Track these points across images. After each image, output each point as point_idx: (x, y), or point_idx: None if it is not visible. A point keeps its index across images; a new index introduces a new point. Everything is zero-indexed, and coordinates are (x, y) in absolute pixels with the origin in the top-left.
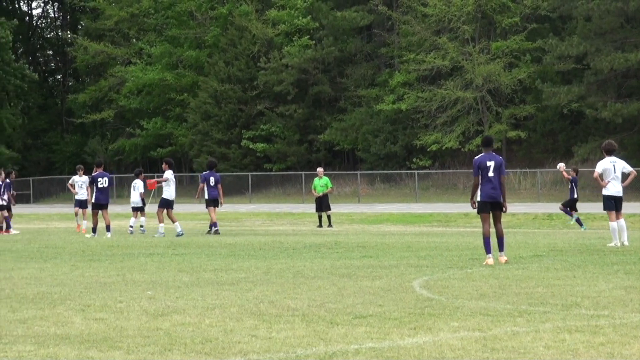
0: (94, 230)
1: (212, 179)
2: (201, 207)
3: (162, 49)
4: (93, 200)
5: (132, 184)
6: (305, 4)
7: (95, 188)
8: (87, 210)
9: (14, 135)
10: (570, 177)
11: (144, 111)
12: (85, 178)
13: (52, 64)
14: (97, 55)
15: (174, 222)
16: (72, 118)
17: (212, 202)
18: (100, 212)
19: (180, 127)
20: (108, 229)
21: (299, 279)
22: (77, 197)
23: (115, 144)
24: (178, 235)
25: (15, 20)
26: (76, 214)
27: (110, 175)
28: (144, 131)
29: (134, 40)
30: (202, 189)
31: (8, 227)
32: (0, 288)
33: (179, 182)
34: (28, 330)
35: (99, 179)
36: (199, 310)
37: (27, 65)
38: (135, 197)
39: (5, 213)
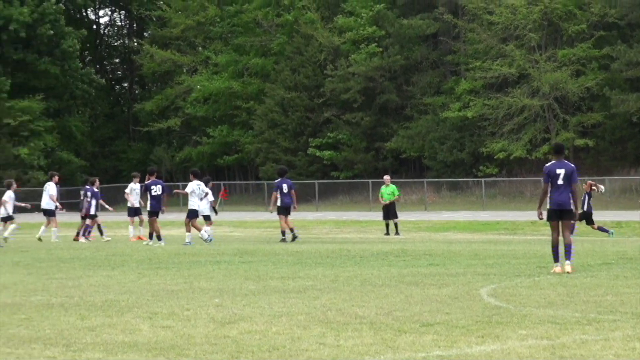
0: (151, 236)
1: (284, 186)
2: (268, 215)
3: (228, 57)
4: (148, 208)
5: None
6: (371, 12)
7: (149, 196)
8: (135, 218)
9: (82, 143)
10: (592, 190)
11: (210, 119)
12: (138, 186)
13: (119, 72)
14: (163, 63)
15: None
16: (138, 126)
17: (284, 210)
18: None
19: (247, 134)
20: (159, 237)
21: (366, 286)
22: (129, 205)
23: (182, 152)
24: (186, 244)
25: (83, 30)
26: (131, 223)
27: (164, 183)
28: (211, 139)
29: (200, 48)
30: (276, 198)
31: (101, 233)
32: (69, 295)
33: (245, 190)
34: (96, 337)
35: (152, 187)
36: (266, 317)
37: (93, 71)
38: (203, 205)
39: (95, 220)
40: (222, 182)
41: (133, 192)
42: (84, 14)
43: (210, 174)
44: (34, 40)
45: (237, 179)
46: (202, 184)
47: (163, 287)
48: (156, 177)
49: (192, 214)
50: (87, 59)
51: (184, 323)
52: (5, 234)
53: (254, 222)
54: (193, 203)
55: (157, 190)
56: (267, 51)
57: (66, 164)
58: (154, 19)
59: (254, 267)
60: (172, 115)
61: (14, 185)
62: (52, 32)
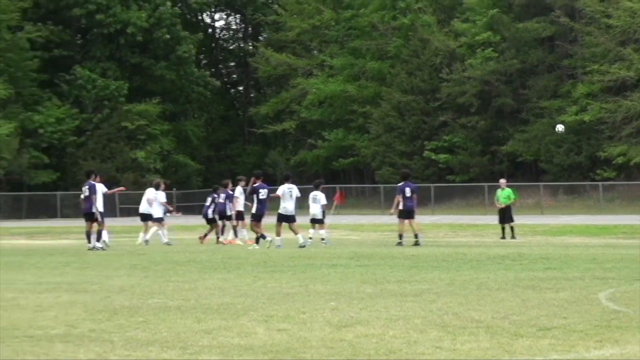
0: (257, 240)
1: (407, 190)
2: (385, 218)
3: (344, 61)
4: (253, 211)
5: (312, 196)
6: (485, 18)
7: (256, 199)
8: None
9: (198, 147)
10: None
11: (325, 122)
12: (240, 189)
13: (234, 76)
14: (278, 67)
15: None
16: (253, 129)
17: (406, 214)
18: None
19: (362, 138)
20: (263, 236)
21: (482, 290)
22: (238, 208)
23: (297, 155)
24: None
25: (200, 34)
26: (234, 227)
27: (270, 187)
28: (326, 142)
29: (316, 51)
30: (398, 201)
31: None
32: (186, 298)
33: (361, 193)
34: (213, 340)
35: (260, 191)
36: (382, 321)
37: (208, 75)
38: (315, 209)
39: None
40: (337, 186)
41: (240, 195)
42: (200, 17)
43: (326, 177)
44: (150, 44)
45: (352, 183)
46: (293, 188)
47: (279, 290)
48: (262, 181)
49: (281, 218)
50: (203, 62)
51: (300, 326)
52: (146, 237)
53: (370, 226)
54: (281, 206)
55: (263, 194)
56: (383, 54)
57: (182, 167)
58: (269, 23)
59: (371, 271)
60: (287, 118)
61: (162, 186)
62: (168, 36)
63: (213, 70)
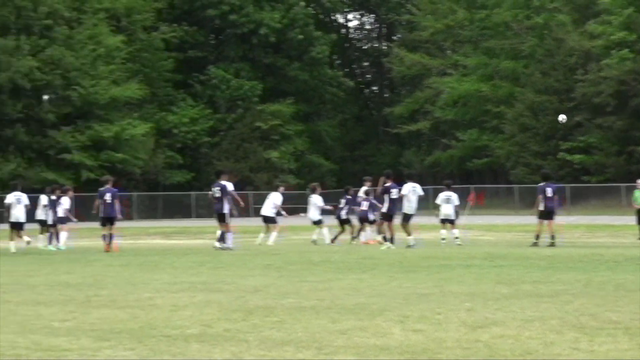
0: (391, 240)
1: (548, 190)
2: (519, 218)
3: (478, 60)
4: (384, 210)
5: (445, 196)
6: (621, 18)
7: (387, 199)
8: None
9: (332, 147)
10: None
11: (459, 122)
12: (364, 189)
13: (368, 76)
14: (412, 67)
15: (409, 234)
16: (387, 129)
17: (546, 215)
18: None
19: (497, 138)
20: (392, 239)
21: (620, 291)
22: (363, 208)
23: (431, 156)
24: (411, 246)
25: (333, 34)
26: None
27: (400, 187)
28: (460, 142)
29: (449, 51)
30: (539, 202)
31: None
32: (321, 298)
33: (495, 194)
34: (348, 340)
35: (392, 190)
36: (518, 322)
37: (341, 75)
38: (448, 210)
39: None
40: (471, 186)
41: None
42: (333, 17)
43: (460, 177)
44: (283, 44)
45: (486, 183)
46: (417, 186)
47: (414, 291)
48: (393, 181)
49: (407, 217)
50: (336, 63)
51: (435, 327)
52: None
53: (504, 226)
54: (406, 205)
55: (395, 193)
56: (517, 54)
57: (316, 168)
58: (403, 23)
59: (506, 271)
60: (422, 118)
61: (319, 189)
62: (301, 36)
63: (347, 70)
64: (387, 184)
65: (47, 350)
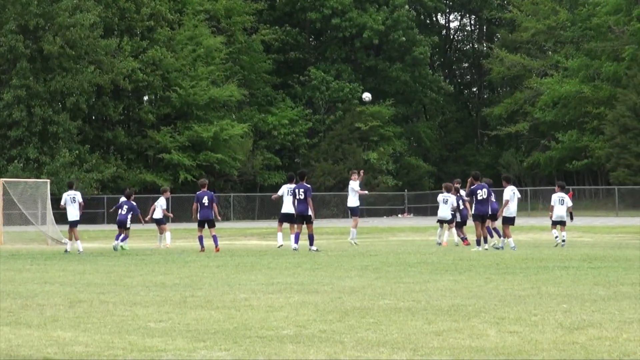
0: (486, 239)
1: None
2: (618, 220)
3: (579, 62)
4: (473, 211)
5: (558, 197)
6: None
7: (475, 199)
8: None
9: (431, 149)
10: None
11: (559, 124)
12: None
13: (468, 77)
14: (512, 67)
15: (504, 236)
16: (486, 130)
17: None
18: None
19: (597, 139)
20: (478, 242)
21: None
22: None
23: (530, 157)
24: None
25: (434, 37)
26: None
27: (486, 188)
28: (559, 144)
29: (550, 52)
30: None
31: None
32: (416, 300)
33: (594, 195)
34: (443, 342)
35: (478, 191)
36: (616, 324)
37: (442, 78)
38: (561, 211)
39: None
40: (570, 187)
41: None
42: (434, 19)
43: (559, 179)
44: (385, 46)
45: (586, 184)
46: (515, 189)
47: (510, 292)
48: (480, 182)
49: (507, 220)
50: (437, 64)
51: (532, 328)
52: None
53: (603, 227)
54: (505, 208)
55: (482, 194)
56: (618, 56)
57: (414, 169)
58: (504, 23)
59: (604, 273)
60: (521, 119)
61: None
62: (404, 38)
63: (447, 71)
64: (474, 186)
65: (143, 351)
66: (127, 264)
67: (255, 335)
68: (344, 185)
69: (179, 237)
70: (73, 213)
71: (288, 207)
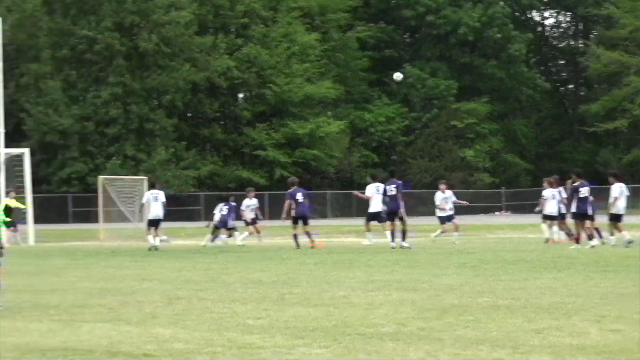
0: (577, 240)
1: None
2: None
3: None
4: (574, 210)
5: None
6: None
7: (577, 197)
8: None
9: (527, 146)
10: None
11: None
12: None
13: (564, 74)
14: (610, 64)
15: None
16: (584, 127)
17: None
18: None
19: None
20: (577, 240)
21: None
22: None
23: (629, 154)
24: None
25: (529, 33)
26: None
27: (591, 185)
28: None
29: None
30: None
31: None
32: (516, 297)
33: None
34: (543, 340)
35: (581, 189)
36: None
37: (538, 75)
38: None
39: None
40: None
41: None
42: (529, 16)
43: None
44: (480, 42)
45: None
46: (624, 186)
47: (611, 290)
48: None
49: (616, 218)
50: (532, 61)
51: (634, 327)
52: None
53: None
54: (618, 207)
55: (583, 192)
56: None
57: (511, 166)
58: (601, 20)
59: None
60: (619, 116)
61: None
62: (499, 35)
63: (542, 68)
64: (576, 183)
65: (242, 348)
66: (225, 261)
67: (354, 332)
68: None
69: (275, 235)
70: (155, 212)
71: (376, 206)
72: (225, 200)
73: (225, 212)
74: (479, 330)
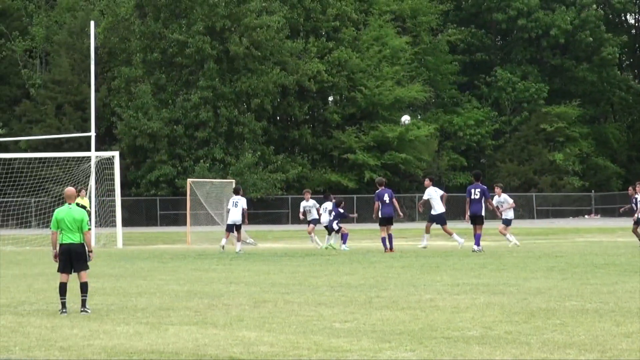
0: None
1: None
2: None
3: None
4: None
5: None
6: None
7: None
8: None
9: (618, 150)
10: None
11: None
12: None
13: None
14: None
15: None
16: None
17: None
18: None
19: None
20: None
21: None
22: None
23: None
24: None
25: (624, 36)
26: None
27: None
28: None
29: None
30: None
31: None
32: (604, 301)
33: None
34: (632, 344)
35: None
36: None
37: (630, 77)
38: None
39: None
40: None
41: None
42: (624, 18)
43: None
44: (572, 45)
45: None
46: None
47: None
48: None
49: None
50: (625, 64)
51: None
52: None
53: None
54: None
55: None
56: None
57: (601, 170)
58: None
59: None
60: None
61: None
62: (591, 38)
63: (636, 71)
64: None
65: (328, 351)
66: (312, 264)
67: (440, 336)
68: (529, 186)
69: (364, 237)
70: (233, 217)
71: (439, 207)
72: (327, 198)
73: (331, 216)
74: (566, 334)
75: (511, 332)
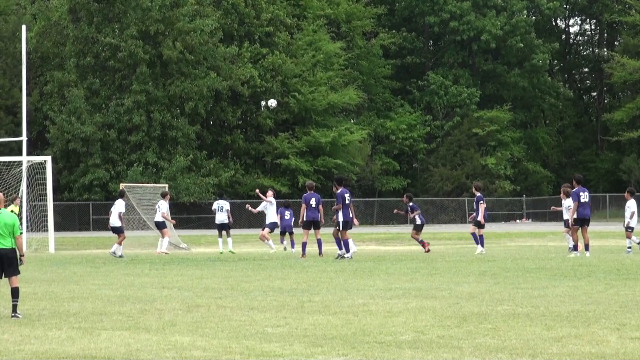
0: None
1: None
2: None
3: None
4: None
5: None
6: None
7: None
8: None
9: (549, 154)
10: None
11: None
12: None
13: (588, 82)
14: (635, 72)
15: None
16: (607, 135)
17: None
18: None
19: None
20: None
21: None
22: None
23: None
24: None
25: (555, 44)
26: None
27: (615, 194)
28: None
29: None
30: None
31: None
32: (535, 306)
33: None
34: (563, 348)
35: (581, 194)
36: None
37: (561, 84)
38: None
39: None
40: None
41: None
42: (554, 24)
43: None
44: (503, 51)
45: None
46: None
47: (632, 299)
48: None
49: None
50: (556, 69)
51: None
52: None
53: None
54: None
55: (584, 197)
56: None
57: (532, 175)
58: (626, 28)
59: None
60: None
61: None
62: (522, 44)
63: (566, 76)
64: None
65: (261, 356)
66: (245, 269)
67: (373, 340)
68: (461, 191)
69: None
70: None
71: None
72: (287, 206)
73: (288, 217)
74: (498, 339)
75: (443, 336)
